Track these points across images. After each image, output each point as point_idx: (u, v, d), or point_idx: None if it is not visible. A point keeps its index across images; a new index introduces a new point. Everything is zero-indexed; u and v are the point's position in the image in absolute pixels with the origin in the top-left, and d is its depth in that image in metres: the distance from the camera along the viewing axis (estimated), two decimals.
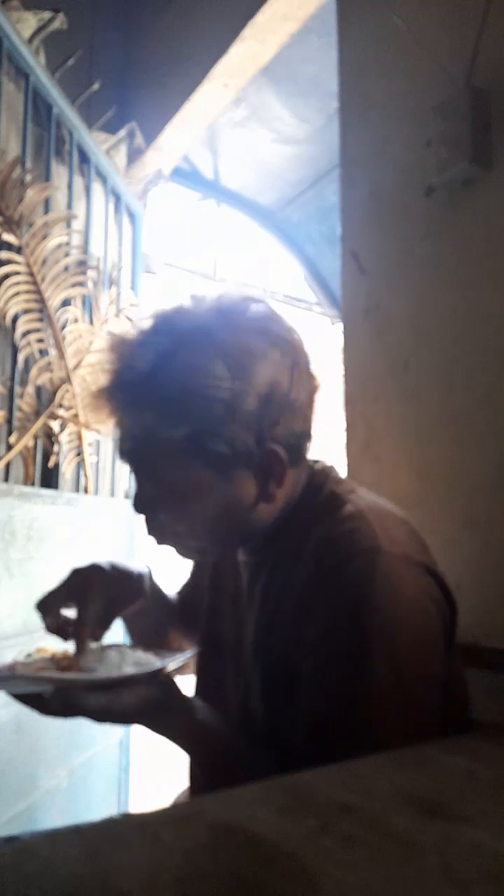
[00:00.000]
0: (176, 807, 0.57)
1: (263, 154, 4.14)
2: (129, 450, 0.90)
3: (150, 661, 0.89)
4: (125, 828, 0.50)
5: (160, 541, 0.93)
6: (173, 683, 0.88)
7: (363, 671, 0.75)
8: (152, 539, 0.94)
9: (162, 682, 0.86)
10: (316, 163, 4.14)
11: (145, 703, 0.82)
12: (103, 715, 0.81)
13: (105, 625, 0.98)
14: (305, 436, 0.93)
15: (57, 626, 0.94)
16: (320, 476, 0.97)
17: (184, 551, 0.97)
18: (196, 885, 0.42)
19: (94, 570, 0.97)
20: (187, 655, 0.95)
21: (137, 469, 0.91)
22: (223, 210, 4.65)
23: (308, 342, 0.94)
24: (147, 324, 0.89)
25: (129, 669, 0.86)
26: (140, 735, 2.84)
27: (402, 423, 1.61)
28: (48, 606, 0.94)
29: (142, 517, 0.92)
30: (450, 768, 0.63)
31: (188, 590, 1.23)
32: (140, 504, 0.91)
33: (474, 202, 1.48)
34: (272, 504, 0.91)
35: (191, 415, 0.83)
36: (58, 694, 0.79)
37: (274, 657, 0.88)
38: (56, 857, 0.45)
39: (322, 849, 0.46)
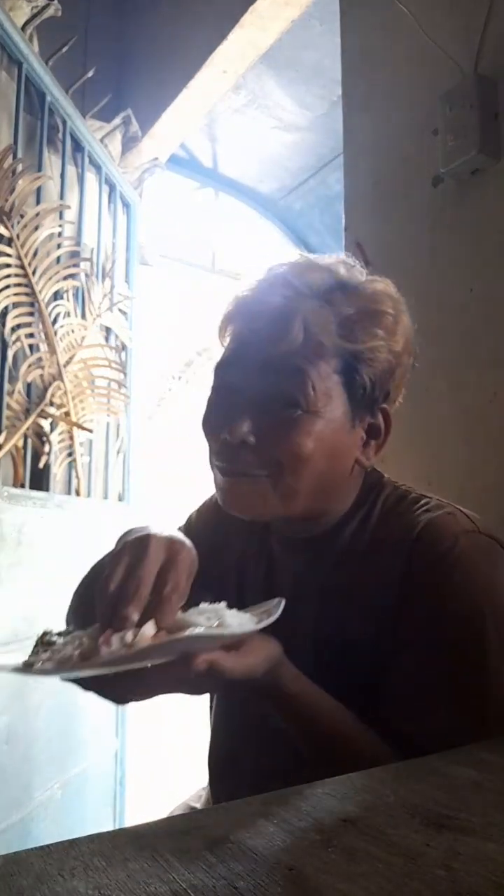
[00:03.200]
0: (174, 819, 0.56)
1: (264, 141, 4.09)
2: (285, 354, 0.81)
3: (244, 616, 0.74)
4: (122, 841, 0.49)
5: (255, 469, 0.82)
6: None
7: (483, 651, 0.77)
8: (225, 467, 0.84)
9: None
10: (318, 150, 4.09)
11: (272, 663, 0.73)
12: (241, 683, 0.69)
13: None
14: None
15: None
16: (377, 472, 0.97)
17: (265, 495, 0.83)
18: None
19: (181, 544, 0.74)
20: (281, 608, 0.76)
21: (279, 380, 0.82)
22: (222, 199, 4.58)
23: None
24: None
25: (245, 624, 0.71)
26: (136, 745, 2.79)
27: (409, 423, 1.57)
28: (134, 584, 0.67)
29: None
30: (456, 779, 0.62)
31: None
32: (249, 427, 0.81)
33: (483, 192, 1.47)
34: (360, 472, 0.92)
35: (361, 334, 0.84)
36: (205, 660, 0.64)
37: (349, 653, 0.85)
38: (51, 870, 0.45)
39: (325, 862, 0.46)
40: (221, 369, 0.89)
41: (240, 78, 2.91)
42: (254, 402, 0.83)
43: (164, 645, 0.63)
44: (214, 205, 4.56)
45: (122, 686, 0.67)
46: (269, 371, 0.83)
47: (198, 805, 1.16)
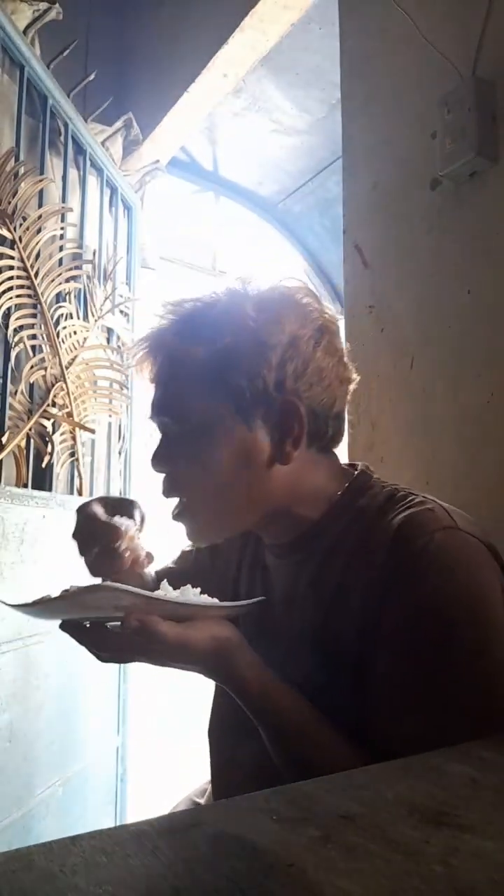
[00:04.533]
0: (174, 816, 0.56)
1: (263, 145, 4.11)
2: (162, 386, 0.92)
3: (212, 600, 0.81)
4: (123, 837, 0.49)
5: (171, 494, 0.93)
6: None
7: (458, 650, 0.76)
8: (166, 498, 0.94)
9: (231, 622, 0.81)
10: (317, 154, 4.10)
11: (220, 642, 0.77)
12: (176, 650, 0.74)
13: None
14: (333, 416, 0.93)
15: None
16: (366, 475, 0.98)
17: (194, 525, 0.94)
18: None
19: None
20: (255, 601, 0.87)
21: (164, 410, 0.92)
22: (222, 202, 4.60)
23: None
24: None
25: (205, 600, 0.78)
26: (137, 742, 2.79)
27: (407, 423, 1.58)
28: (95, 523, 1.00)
29: (159, 477, 0.93)
30: (454, 777, 0.62)
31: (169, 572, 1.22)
32: (160, 457, 0.92)
33: (481, 195, 1.47)
34: (286, 470, 0.90)
35: (215, 340, 0.87)
36: (136, 618, 0.70)
37: (337, 653, 0.85)
38: (52, 867, 0.45)
39: (324, 858, 0.46)
40: (149, 417, 0.98)
41: (240, 81, 2.92)
42: (164, 437, 0.93)
43: (95, 589, 0.69)
44: (215, 207, 4.57)
45: (92, 638, 0.77)
46: (160, 408, 0.92)
47: (201, 800, 1.17)
